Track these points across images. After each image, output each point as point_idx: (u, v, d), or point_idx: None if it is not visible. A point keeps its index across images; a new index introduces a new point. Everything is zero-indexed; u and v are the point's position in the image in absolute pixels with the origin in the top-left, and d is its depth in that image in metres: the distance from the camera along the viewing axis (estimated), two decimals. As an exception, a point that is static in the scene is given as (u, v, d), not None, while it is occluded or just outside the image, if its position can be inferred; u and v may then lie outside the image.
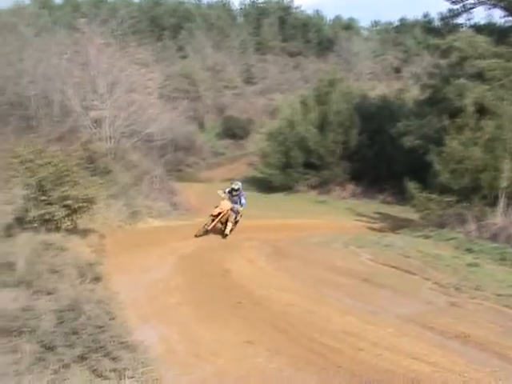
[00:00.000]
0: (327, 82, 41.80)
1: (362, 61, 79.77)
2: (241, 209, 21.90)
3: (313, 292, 13.48)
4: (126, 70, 30.85)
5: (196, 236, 20.88)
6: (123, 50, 31.28)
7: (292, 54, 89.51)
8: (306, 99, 42.28)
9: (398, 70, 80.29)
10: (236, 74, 77.21)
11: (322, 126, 39.54)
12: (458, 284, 13.82)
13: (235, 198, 21.76)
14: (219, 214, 21.14)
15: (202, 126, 64.39)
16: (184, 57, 79.07)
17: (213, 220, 21.17)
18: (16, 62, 32.80)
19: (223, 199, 21.41)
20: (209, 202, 27.40)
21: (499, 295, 13.10)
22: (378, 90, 54.46)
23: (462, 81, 26.70)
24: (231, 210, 21.38)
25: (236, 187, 21.86)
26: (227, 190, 21.80)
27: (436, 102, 29.11)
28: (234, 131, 62.31)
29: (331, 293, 13.40)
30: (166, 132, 37.92)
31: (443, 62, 31.50)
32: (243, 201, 21.94)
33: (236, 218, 21.85)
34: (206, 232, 21.19)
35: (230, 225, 21.45)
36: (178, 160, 47.80)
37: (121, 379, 7.54)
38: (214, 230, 21.51)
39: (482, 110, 25.37)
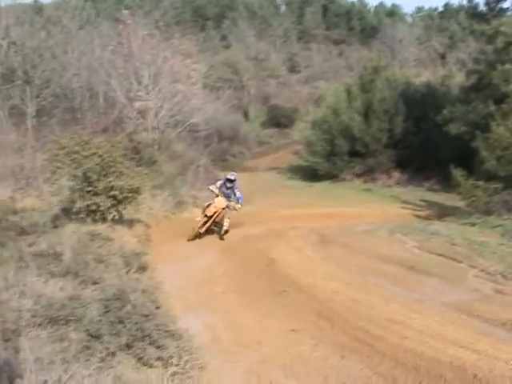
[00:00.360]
0: (371, 70, 41.45)
1: (406, 48, 78.92)
2: (238, 206, 19.17)
3: (358, 280, 13.43)
4: (169, 61, 30.99)
5: (188, 240, 18.54)
6: (167, 41, 31.44)
7: (335, 42, 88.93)
8: (351, 87, 41.96)
9: (442, 57, 79.39)
10: (279, 62, 77.01)
11: (367, 114, 39.25)
12: (505, 271, 13.65)
13: (229, 191, 19.18)
14: (214, 213, 18.63)
15: (246, 115, 64.44)
16: (227, 46, 79.06)
17: (206, 222, 18.66)
18: (60, 54, 33.11)
19: (217, 196, 18.82)
20: (254, 190, 27.50)
21: (547, 283, 12.96)
22: (423, 76, 53.82)
23: (508, 66, 26.34)
24: (227, 207, 18.94)
25: (232, 178, 19.30)
26: (220, 182, 19.44)
27: (482, 88, 28.72)
28: (279, 120, 62.19)
29: (376, 281, 13.35)
30: (211, 122, 38.07)
31: (489, 47, 31.02)
32: (238, 194, 19.25)
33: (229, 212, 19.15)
34: (199, 235, 18.70)
35: (226, 224, 19.08)
36: (222, 150, 47.86)
37: (166, 367, 7.61)
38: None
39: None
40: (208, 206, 18.92)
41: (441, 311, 10.99)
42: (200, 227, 18.62)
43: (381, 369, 8.38)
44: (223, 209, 18.85)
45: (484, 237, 18.13)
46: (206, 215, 18.66)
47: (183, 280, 13.56)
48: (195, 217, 19.44)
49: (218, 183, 19.38)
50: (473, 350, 8.91)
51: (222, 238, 19.02)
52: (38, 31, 32.93)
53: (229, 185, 19.19)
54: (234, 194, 19.22)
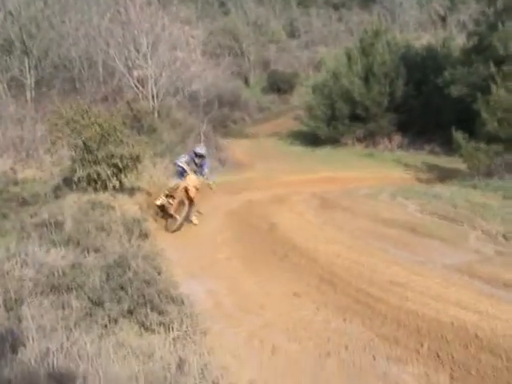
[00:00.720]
0: (371, 34, 41.18)
1: (406, 11, 78.32)
2: (211, 183, 16.12)
3: (359, 243, 13.47)
4: (168, 28, 30.89)
5: (172, 231, 15.39)
6: (165, 8, 31.32)
7: (335, 7, 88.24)
8: (351, 51, 41.71)
9: (443, 19, 78.85)
10: (279, 28, 76.71)
11: (367, 78, 39.07)
12: (507, 233, 13.66)
13: (197, 168, 16.16)
14: (187, 192, 15.55)
15: (246, 81, 64.35)
16: (226, 12, 78.69)
17: (177, 202, 15.62)
18: (58, 24, 32.90)
19: (189, 174, 15.66)
20: (256, 157, 27.51)
21: (549, 242, 13.00)
22: (424, 39, 53.50)
23: (508, 27, 26.21)
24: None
25: (202, 152, 16.24)
26: (187, 158, 16.10)
27: (482, 50, 28.56)
28: (279, 86, 62.02)
29: (378, 244, 13.38)
30: (211, 89, 38.09)
31: (489, 9, 30.84)
32: (206, 170, 16.23)
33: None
34: (173, 221, 15.53)
35: (195, 207, 16.23)
36: (223, 116, 47.73)
37: (168, 332, 7.66)
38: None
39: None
40: (176, 188, 15.80)
41: (442, 273, 11.02)
42: (173, 209, 15.57)
43: (383, 331, 8.43)
44: (197, 189, 15.65)
45: (486, 199, 18.13)
46: (181, 198, 15.52)
47: (185, 247, 13.63)
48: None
49: (184, 159, 15.98)
50: (474, 311, 8.95)
51: (192, 222, 16.20)
52: (34, 1, 32.65)
53: (197, 161, 16.14)
54: (202, 171, 16.14)
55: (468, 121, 25.69)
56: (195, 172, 15.93)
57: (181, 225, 15.52)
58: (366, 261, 11.88)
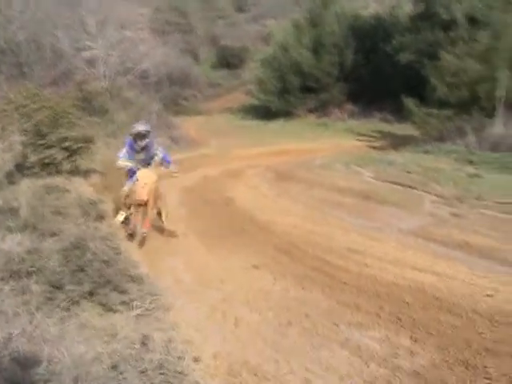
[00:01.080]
0: (320, 4, 41.21)
1: (353, -20, 78.45)
2: (174, 170, 12.37)
3: (315, 213, 13.59)
4: (115, 7, 30.63)
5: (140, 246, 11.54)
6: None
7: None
8: (299, 22, 41.72)
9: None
10: (227, 2, 76.22)
11: (316, 49, 39.11)
12: (460, 195, 13.92)
13: (143, 153, 11.91)
14: (147, 197, 11.42)
15: (196, 58, 63.91)
16: (172, -12, 78.07)
17: (141, 212, 11.61)
18: (3, 8, 32.36)
19: (139, 169, 11.63)
20: (209, 133, 27.48)
21: (501, 203, 13.26)
22: (371, 8, 53.67)
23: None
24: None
25: (143, 130, 11.69)
26: (126, 146, 11.88)
27: (429, 17, 28.70)
28: (229, 61, 61.71)
29: (334, 212, 13.52)
30: (160, 67, 37.81)
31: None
32: (162, 153, 12.11)
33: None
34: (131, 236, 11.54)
35: (164, 208, 12.43)
36: (174, 94, 47.37)
37: (130, 311, 7.67)
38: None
39: (474, 22, 25.03)
40: (128, 193, 11.89)
41: (399, 238, 11.19)
42: (142, 224, 11.56)
43: (343, 298, 8.51)
44: (155, 185, 11.65)
45: (439, 163, 18.41)
46: (137, 204, 11.46)
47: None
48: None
49: (124, 149, 11.84)
50: (432, 273, 9.13)
51: (174, 235, 12.32)
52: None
53: (141, 143, 11.73)
54: (152, 157, 11.99)
55: (418, 87, 25.90)
56: (143, 161, 11.87)
57: (143, 239, 11.53)
58: (323, 230, 12.01)
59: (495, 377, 6.25)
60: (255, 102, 43.60)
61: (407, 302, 8.16)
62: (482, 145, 20.65)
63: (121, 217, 12.28)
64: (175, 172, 12.37)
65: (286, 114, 39.27)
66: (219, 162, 22.52)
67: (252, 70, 49.57)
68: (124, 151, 11.83)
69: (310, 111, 39.30)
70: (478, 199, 13.65)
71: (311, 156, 22.92)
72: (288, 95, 39.12)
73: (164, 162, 12.18)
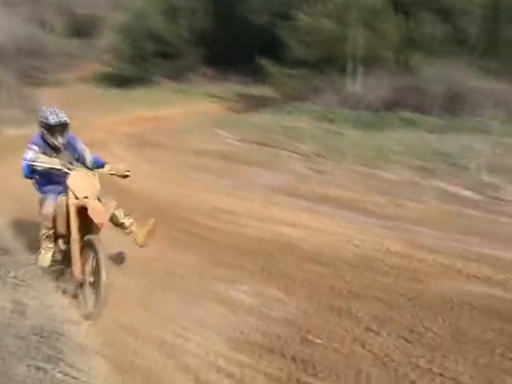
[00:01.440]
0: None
1: None
2: (122, 168, 8.42)
3: (180, 177, 13.63)
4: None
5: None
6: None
7: None
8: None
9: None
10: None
11: (171, 13, 38.82)
12: (320, 152, 14.29)
13: (65, 152, 7.85)
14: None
15: (48, 28, 62.23)
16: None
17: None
18: None
19: (68, 173, 7.21)
20: (68, 104, 26.87)
21: (361, 158, 13.66)
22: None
23: None
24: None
25: (59, 119, 7.57)
26: (34, 145, 7.41)
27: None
28: (82, 29, 60.47)
29: (198, 175, 13.60)
30: (10, 39, 36.65)
31: None
32: (89, 154, 8.42)
33: None
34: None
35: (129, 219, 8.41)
36: (28, 66, 45.99)
37: (5, 284, 7.50)
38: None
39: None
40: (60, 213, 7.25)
41: (263, 195, 11.42)
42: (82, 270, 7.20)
43: (213, 256, 8.57)
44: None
45: (299, 123, 18.73)
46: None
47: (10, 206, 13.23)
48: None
49: (34, 146, 7.41)
50: (298, 227, 9.42)
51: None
52: None
53: (61, 139, 7.71)
54: (81, 159, 8.19)
55: (275, 48, 26.08)
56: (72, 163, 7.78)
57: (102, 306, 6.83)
58: (189, 192, 12.08)
59: (365, 319, 6.49)
60: (112, 70, 42.96)
61: (276, 256, 8.34)
62: (341, 104, 21.12)
63: (44, 257, 7.82)
64: (127, 171, 8.39)
65: (144, 81, 38.89)
66: (80, 132, 22.09)
67: (106, 38, 48.81)
68: (35, 147, 7.48)
69: (168, 77, 39.02)
70: (339, 155, 14.01)
71: (171, 122, 22.86)
72: (144, 62, 38.75)
73: (97, 163, 8.30)
